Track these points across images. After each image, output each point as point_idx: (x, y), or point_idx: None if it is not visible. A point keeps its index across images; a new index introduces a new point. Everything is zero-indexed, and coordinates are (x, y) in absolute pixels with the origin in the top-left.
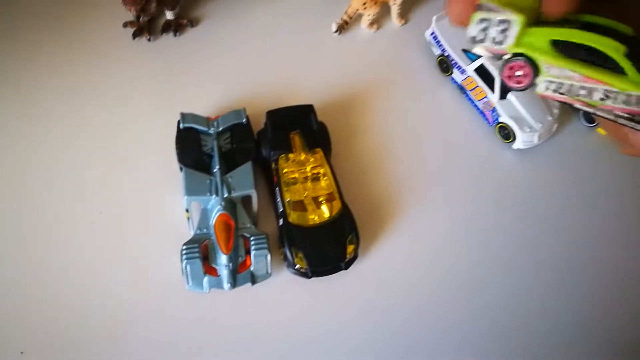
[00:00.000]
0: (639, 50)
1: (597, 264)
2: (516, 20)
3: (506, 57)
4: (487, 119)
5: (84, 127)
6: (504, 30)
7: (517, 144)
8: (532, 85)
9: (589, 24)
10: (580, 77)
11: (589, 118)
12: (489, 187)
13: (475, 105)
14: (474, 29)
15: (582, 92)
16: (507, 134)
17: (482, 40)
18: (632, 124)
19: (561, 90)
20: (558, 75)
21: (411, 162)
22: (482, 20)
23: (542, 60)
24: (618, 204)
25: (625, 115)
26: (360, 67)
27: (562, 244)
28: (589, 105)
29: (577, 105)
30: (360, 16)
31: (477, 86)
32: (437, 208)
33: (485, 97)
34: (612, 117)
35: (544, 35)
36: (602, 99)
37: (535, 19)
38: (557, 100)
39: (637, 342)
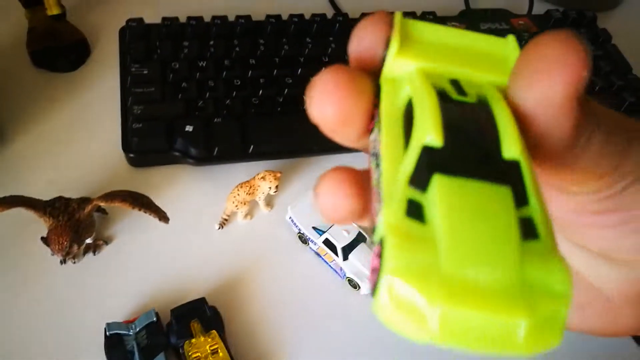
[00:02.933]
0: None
1: None
2: None
3: None
4: (339, 275)
5: (19, 338)
6: None
7: (363, 291)
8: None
9: None
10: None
11: None
12: (349, 325)
13: (330, 266)
14: None
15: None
16: (354, 285)
17: None
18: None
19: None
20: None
21: (291, 319)
22: None
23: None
24: None
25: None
26: (242, 250)
27: None
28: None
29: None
30: (236, 213)
31: (327, 253)
32: (315, 349)
33: (334, 260)
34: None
35: None
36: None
37: None
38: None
39: None
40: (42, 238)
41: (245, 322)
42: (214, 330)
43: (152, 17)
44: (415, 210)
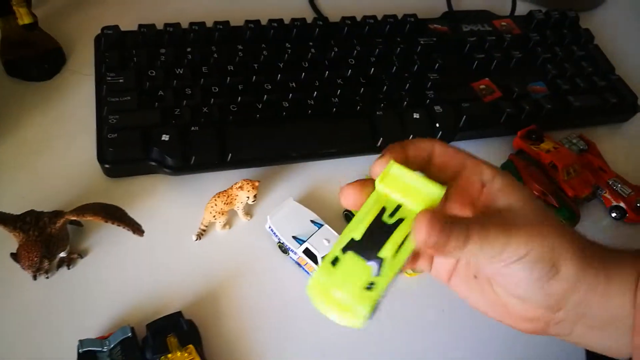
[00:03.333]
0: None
1: None
2: None
3: None
4: None
5: None
6: None
7: None
8: None
9: None
10: None
11: None
12: (330, 336)
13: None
14: None
15: None
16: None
17: None
18: None
19: None
20: None
21: (271, 331)
22: None
23: None
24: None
25: None
26: (221, 261)
27: None
28: None
29: None
30: (214, 223)
31: (307, 262)
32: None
33: (315, 269)
34: None
35: None
36: None
37: None
38: None
39: None
40: (12, 254)
41: (224, 335)
42: (190, 345)
43: (128, 24)
44: (335, 261)
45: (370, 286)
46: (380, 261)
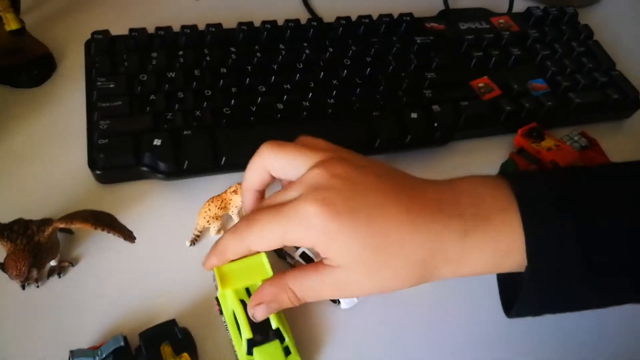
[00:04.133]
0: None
1: None
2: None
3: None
4: None
5: None
6: None
7: (343, 305)
8: None
9: None
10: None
11: None
12: (328, 341)
13: None
14: None
15: None
16: (334, 299)
17: None
18: None
19: None
20: None
21: None
22: None
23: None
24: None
25: None
26: None
27: None
28: None
29: None
30: (208, 228)
31: None
32: None
33: None
34: None
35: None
36: None
37: None
38: None
39: None
40: None
41: (219, 343)
42: (185, 354)
43: (119, 28)
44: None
45: (287, 353)
46: (277, 330)
